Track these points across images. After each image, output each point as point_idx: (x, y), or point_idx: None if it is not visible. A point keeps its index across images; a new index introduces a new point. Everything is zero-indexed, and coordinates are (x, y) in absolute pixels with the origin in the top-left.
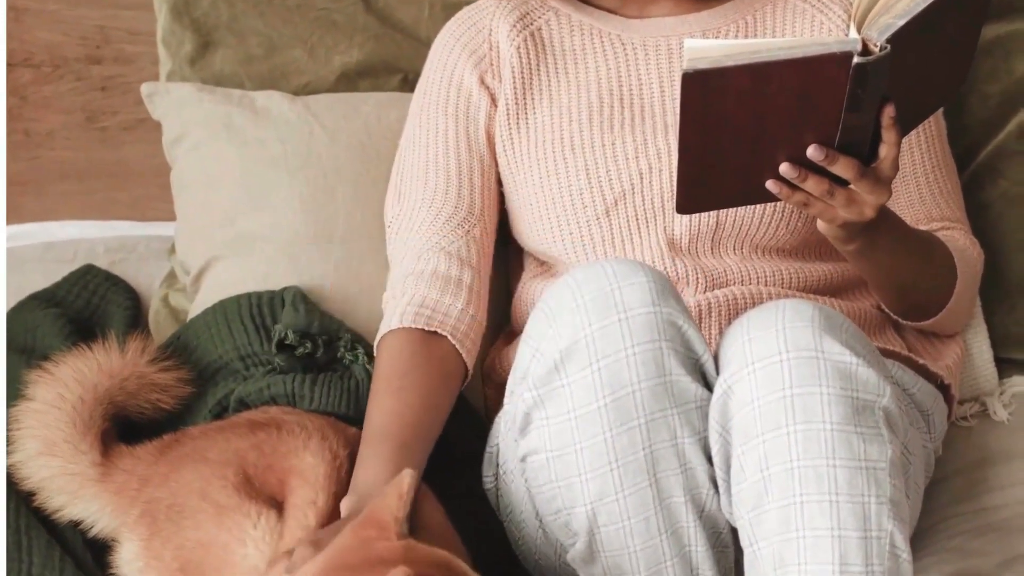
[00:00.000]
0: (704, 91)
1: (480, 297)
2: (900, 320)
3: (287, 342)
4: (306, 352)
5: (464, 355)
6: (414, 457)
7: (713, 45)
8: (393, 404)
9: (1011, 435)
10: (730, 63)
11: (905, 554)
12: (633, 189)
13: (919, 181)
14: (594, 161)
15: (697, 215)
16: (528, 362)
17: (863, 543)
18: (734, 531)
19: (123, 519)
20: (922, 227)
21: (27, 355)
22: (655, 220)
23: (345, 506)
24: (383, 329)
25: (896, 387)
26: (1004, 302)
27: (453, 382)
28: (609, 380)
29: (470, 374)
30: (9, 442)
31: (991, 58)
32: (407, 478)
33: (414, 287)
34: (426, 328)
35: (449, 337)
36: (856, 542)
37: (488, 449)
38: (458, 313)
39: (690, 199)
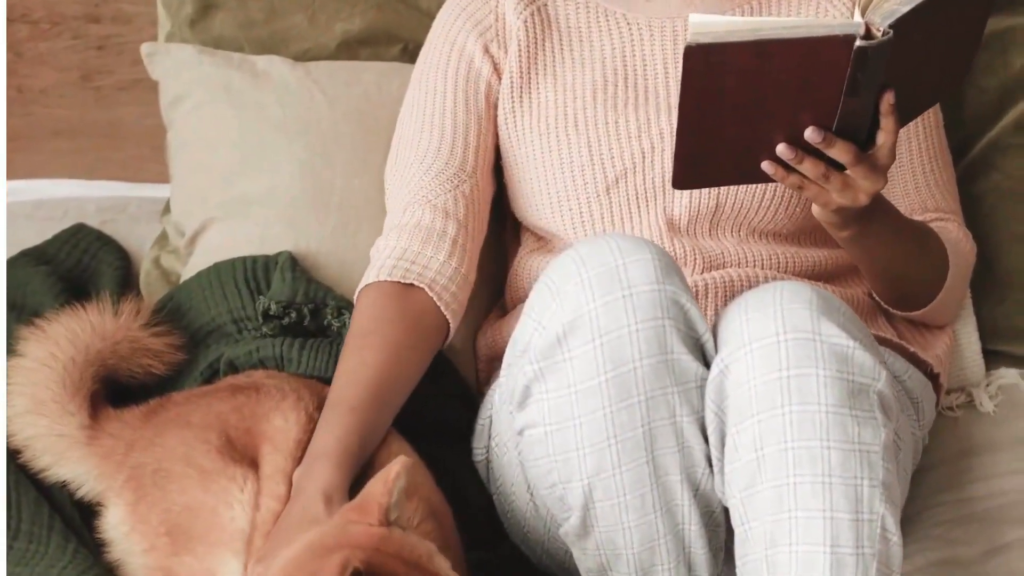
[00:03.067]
0: (706, 66)
1: (467, 251)
2: (891, 309)
3: (271, 313)
4: (292, 322)
5: (443, 308)
6: (367, 422)
7: (718, 21)
8: (351, 365)
9: (996, 426)
10: (733, 39)
11: (896, 537)
12: (635, 168)
13: (915, 171)
14: (597, 139)
15: (697, 196)
16: (530, 335)
17: (854, 525)
18: (726, 510)
19: (109, 484)
20: (916, 217)
21: (16, 312)
22: (655, 199)
23: (295, 478)
24: (361, 284)
25: (889, 372)
26: (993, 294)
27: (429, 337)
28: (611, 356)
29: (452, 329)
30: None
31: (988, 52)
32: (396, 466)
33: (396, 240)
34: (402, 281)
35: (426, 289)
36: (848, 524)
37: (480, 421)
38: (439, 265)
39: (686, 174)
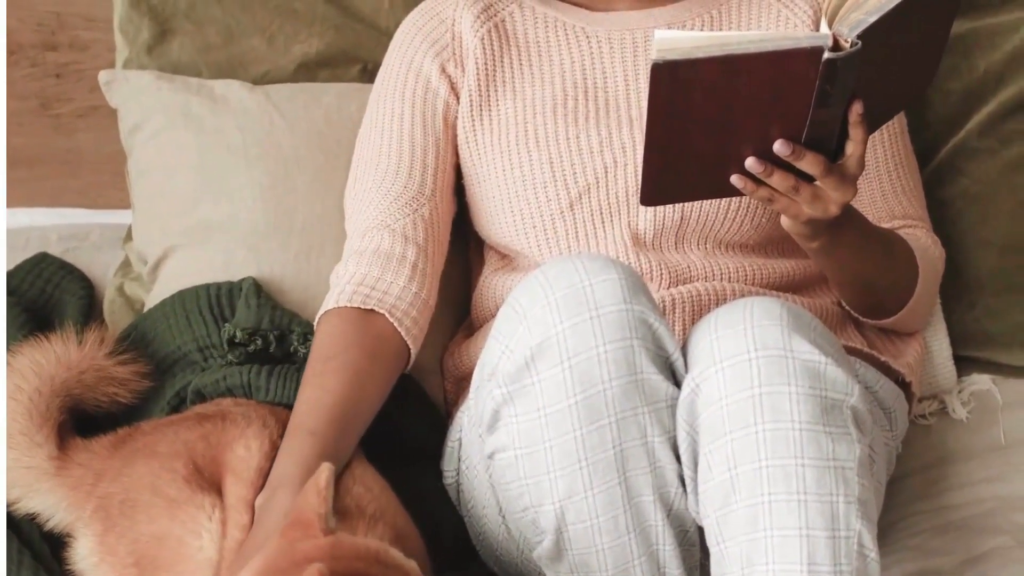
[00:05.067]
0: (673, 82)
1: (427, 276)
2: (861, 318)
3: (236, 340)
4: (258, 348)
5: (403, 333)
6: (329, 446)
7: (683, 36)
8: (312, 391)
9: (970, 433)
10: (700, 55)
11: (873, 553)
12: (598, 183)
13: (882, 178)
14: (559, 154)
15: (662, 209)
16: (497, 359)
17: (831, 543)
18: (700, 530)
19: (78, 514)
20: (884, 225)
21: None
22: (619, 214)
23: (258, 503)
24: (321, 310)
25: (862, 386)
26: (963, 300)
27: (390, 362)
28: (580, 378)
29: (413, 354)
30: None
31: (952, 55)
32: (324, 472)
33: (355, 266)
34: (362, 307)
35: (387, 315)
36: (824, 542)
37: (449, 444)
38: (399, 291)
39: (654, 191)
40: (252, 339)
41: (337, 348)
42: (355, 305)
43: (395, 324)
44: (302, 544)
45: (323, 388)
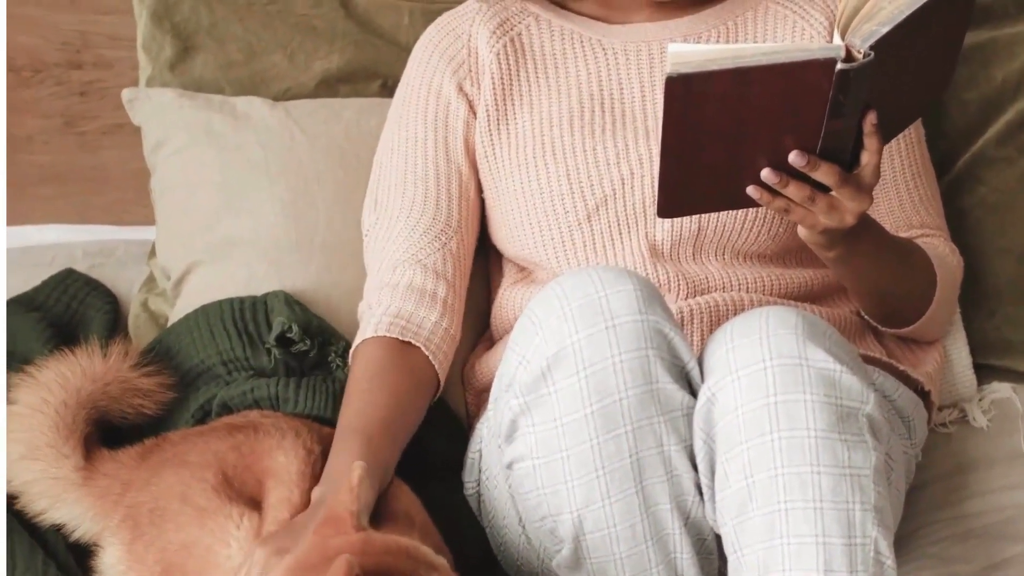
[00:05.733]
0: (687, 95)
1: (455, 311)
2: (880, 327)
3: (289, 335)
4: (302, 350)
5: (436, 367)
6: (381, 450)
7: (696, 49)
8: (361, 404)
9: (990, 441)
10: (714, 67)
11: (889, 560)
12: (615, 194)
13: (899, 188)
14: (575, 166)
15: (679, 220)
16: (514, 370)
17: (848, 550)
18: (718, 538)
19: (105, 523)
20: (902, 234)
21: (7, 359)
22: (637, 225)
23: (315, 495)
24: (358, 338)
25: (878, 394)
26: (983, 308)
27: (423, 391)
28: (596, 388)
29: (441, 387)
30: None
31: (970, 65)
32: (357, 470)
33: (389, 299)
34: (400, 338)
35: (422, 348)
36: (841, 549)
37: (470, 455)
38: (432, 325)
39: (671, 203)
40: (303, 338)
41: (378, 370)
42: (393, 335)
43: (429, 356)
44: (334, 540)
45: (370, 402)
